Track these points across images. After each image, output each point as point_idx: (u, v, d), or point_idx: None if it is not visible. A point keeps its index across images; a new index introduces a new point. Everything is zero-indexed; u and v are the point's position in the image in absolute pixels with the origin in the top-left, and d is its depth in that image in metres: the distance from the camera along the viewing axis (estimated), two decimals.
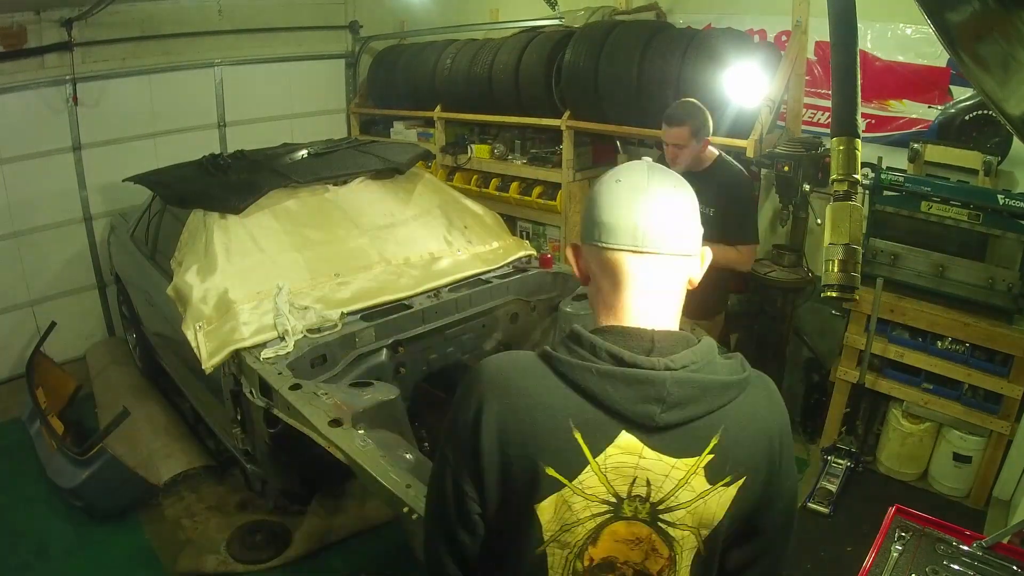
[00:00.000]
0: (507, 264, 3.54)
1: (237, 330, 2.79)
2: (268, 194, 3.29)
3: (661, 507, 1.01)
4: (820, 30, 3.58)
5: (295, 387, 2.46)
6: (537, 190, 4.57)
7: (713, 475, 1.00)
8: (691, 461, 0.99)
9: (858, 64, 0.92)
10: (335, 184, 3.56)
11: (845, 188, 0.94)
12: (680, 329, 1.06)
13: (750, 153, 3.42)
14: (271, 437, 2.69)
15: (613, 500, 1.01)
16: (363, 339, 2.89)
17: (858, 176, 0.93)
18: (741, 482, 1.02)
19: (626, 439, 0.98)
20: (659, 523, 1.02)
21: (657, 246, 1.00)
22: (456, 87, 4.70)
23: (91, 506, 3.29)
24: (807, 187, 3.38)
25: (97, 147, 4.65)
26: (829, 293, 0.95)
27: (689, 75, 3.48)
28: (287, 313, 2.83)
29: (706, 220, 3.40)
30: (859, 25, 0.91)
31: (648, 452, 0.98)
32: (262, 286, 2.96)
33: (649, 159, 1.07)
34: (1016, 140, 3.03)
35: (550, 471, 0.98)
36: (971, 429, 3.21)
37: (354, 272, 3.18)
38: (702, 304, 3.11)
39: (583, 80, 3.91)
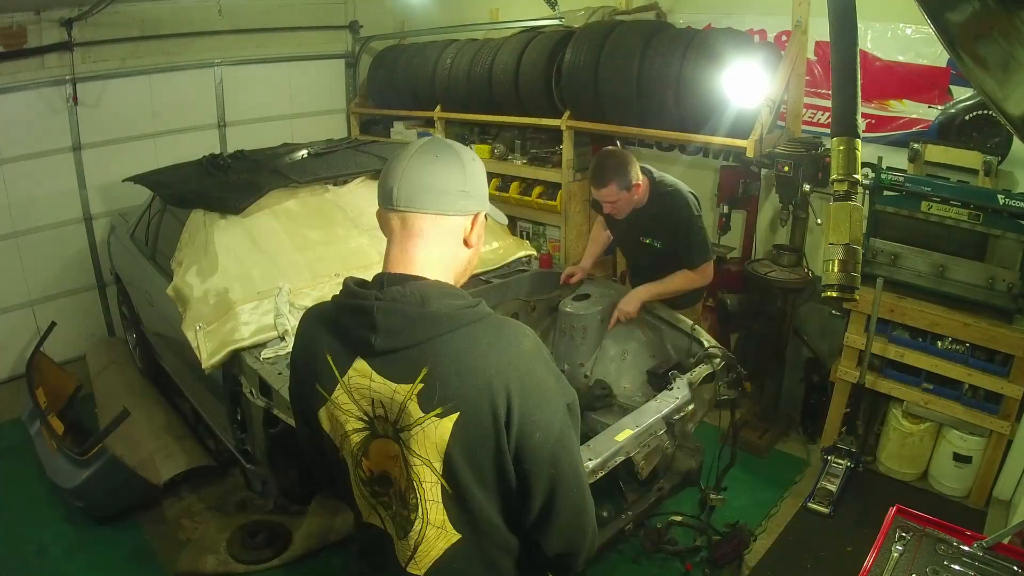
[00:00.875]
0: (507, 264, 3.54)
1: (237, 330, 2.79)
2: (268, 194, 3.28)
3: (400, 426, 1.11)
4: (820, 30, 3.58)
5: None
6: (537, 190, 4.57)
7: (425, 403, 1.07)
8: (406, 387, 1.08)
9: (858, 64, 0.92)
10: (335, 184, 3.56)
11: (845, 188, 0.94)
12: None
13: (750, 153, 3.42)
14: (271, 437, 2.69)
15: (366, 418, 1.15)
16: None
17: (858, 176, 0.93)
18: (456, 416, 1.07)
19: (360, 363, 1.12)
20: (402, 442, 1.11)
21: (406, 205, 1.14)
22: (456, 87, 4.70)
23: (91, 506, 3.29)
24: (807, 187, 3.38)
25: (97, 147, 4.65)
26: (829, 293, 0.95)
27: (689, 75, 3.48)
28: (287, 313, 2.83)
29: (655, 252, 3.29)
30: (859, 25, 0.91)
31: (376, 376, 1.11)
32: (262, 286, 2.96)
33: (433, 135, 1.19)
34: (1016, 140, 3.03)
35: (318, 387, 1.18)
36: (971, 429, 3.21)
37: (354, 272, 3.17)
38: (682, 300, 3.20)
39: (583, 80, 3.91)
